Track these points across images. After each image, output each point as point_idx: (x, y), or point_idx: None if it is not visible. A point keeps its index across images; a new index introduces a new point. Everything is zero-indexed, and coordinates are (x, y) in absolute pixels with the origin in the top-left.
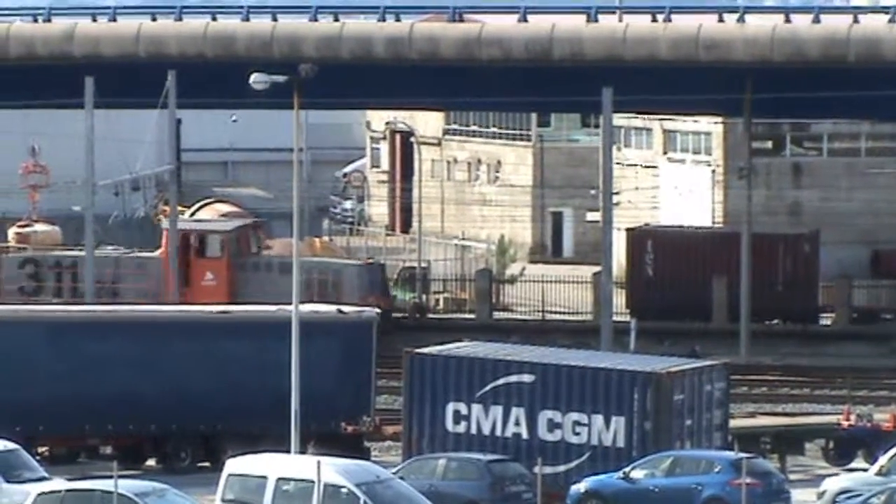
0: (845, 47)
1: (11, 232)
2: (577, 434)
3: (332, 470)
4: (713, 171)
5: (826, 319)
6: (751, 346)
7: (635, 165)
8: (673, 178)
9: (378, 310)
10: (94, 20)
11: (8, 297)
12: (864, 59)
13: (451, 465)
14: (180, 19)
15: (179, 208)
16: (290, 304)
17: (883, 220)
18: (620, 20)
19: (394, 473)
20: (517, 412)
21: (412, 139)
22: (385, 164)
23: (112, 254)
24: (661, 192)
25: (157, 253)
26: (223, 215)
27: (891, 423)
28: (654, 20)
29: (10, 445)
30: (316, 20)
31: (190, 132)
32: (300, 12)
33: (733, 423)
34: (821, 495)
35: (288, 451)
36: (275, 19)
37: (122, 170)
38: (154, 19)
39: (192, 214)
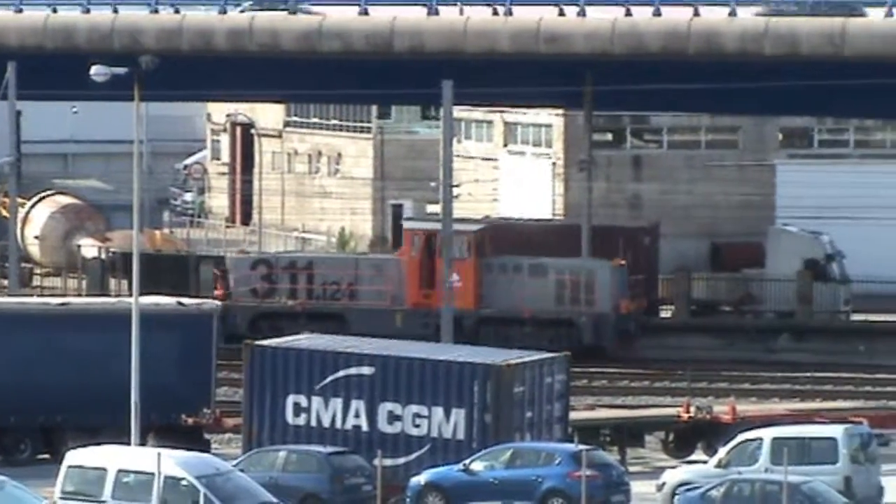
0: (685, 40)
1: None
2: (418, 426)
3: (173, 462)
4: (553, 164)
5: (666, 312)
6: None
7: (475, 158)
8: (513, 171)
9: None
10: None
11: (240, 298)
12: (704, 52)
13: (291, 457)
14: (20, 11)
15: (19, 200)
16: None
17: (722, 212)
18: (461, 13)
19: (234, 466)
20: (357, 404)
21: (253, 131)
22: (225, 156)
23: (351, 256)
24: (502, 184)
25: (395, 254)
26: (63, 207)
27: (730, 416)
28: (495, 13)
29: None
30: (156, 12)
31: (30, 124)
32: (140, 4)
33: (573, 415)
34: (660, 487)
35: (128, 444)
36: (115, 11)
37: None
38: None
39: (32, 206)
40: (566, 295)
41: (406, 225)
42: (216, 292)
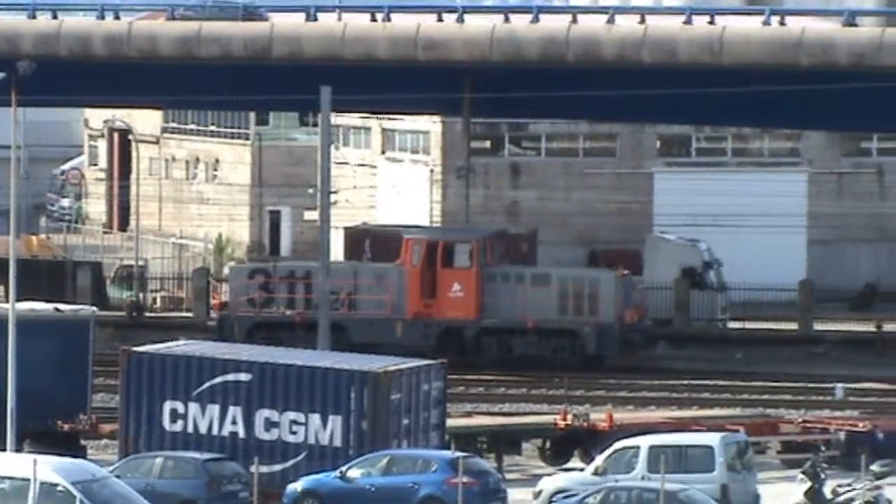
0: (564, 47)
1: None
2: (294, 433)
3: (48, 468)
4: (431, 171)
5: None
6: None
7: (354, 164)
8: (391, 178)
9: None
10: None
11: (237, 308)
12: (582, 60)
13: (168, 463)
14: None
15: None
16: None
17: (600, 220)
18: (339, 19)
19: (110, 472)
20: (234, 411)
21: (130, 137)
22: (103, 161)
23: (350, 265)
24: (380, 191)
25: (395, 263)
26: None
27: (607, 423)
28: (374, 19)
29: None
30: (34, 17)
31: None
32: (18, 9)
33: (450, 422)
34: (537, 495)
35: (3, 450)
36: None
37: None
38: None
39: None
40: (569, 304)
41: (406, 234)
42: (212, 302)
